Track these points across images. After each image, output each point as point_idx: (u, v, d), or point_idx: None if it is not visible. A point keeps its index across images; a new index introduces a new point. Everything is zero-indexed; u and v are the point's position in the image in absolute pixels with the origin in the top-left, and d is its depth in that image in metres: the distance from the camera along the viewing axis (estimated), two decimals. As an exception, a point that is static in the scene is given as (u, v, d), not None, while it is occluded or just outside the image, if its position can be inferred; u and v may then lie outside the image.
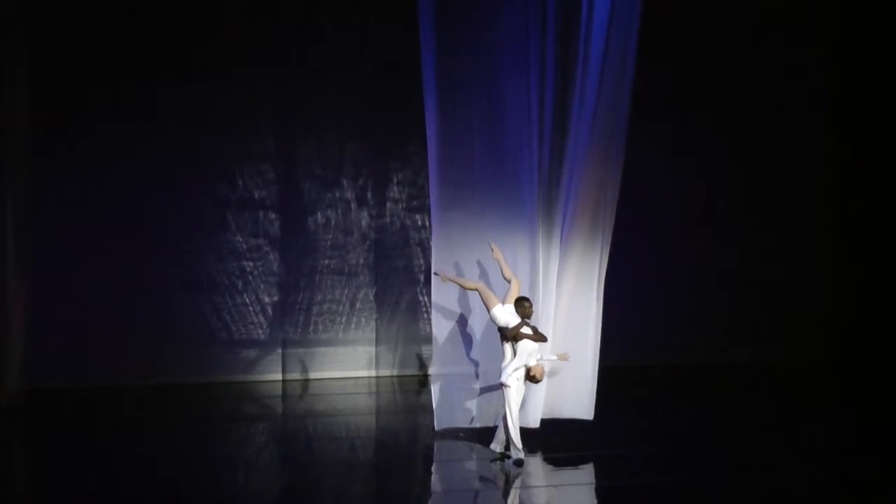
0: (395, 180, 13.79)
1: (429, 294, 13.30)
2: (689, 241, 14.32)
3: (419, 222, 13.72)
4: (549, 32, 9.93)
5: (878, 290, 13.98)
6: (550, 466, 9.28)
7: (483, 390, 10.02)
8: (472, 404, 10.09)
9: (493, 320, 9.26)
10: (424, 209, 13.54)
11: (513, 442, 8.97)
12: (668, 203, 14.31)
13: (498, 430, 9.28)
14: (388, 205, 13.79)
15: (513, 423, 8.95)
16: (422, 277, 13.65)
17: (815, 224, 14.74)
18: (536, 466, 9.21)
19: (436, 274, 10.01)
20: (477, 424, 10.03)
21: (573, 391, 10.02)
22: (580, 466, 9.36)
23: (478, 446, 9.69)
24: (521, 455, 8.97)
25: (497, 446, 9.24)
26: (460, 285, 9.86)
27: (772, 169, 14.57)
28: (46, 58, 12.54)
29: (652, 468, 9.04)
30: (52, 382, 12.42)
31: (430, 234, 13.10)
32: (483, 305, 9.64)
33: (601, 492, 8.69)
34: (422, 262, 13.66)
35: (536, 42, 9.98)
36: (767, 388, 12.84)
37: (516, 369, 8.93)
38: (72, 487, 8.70)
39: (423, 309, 13.63)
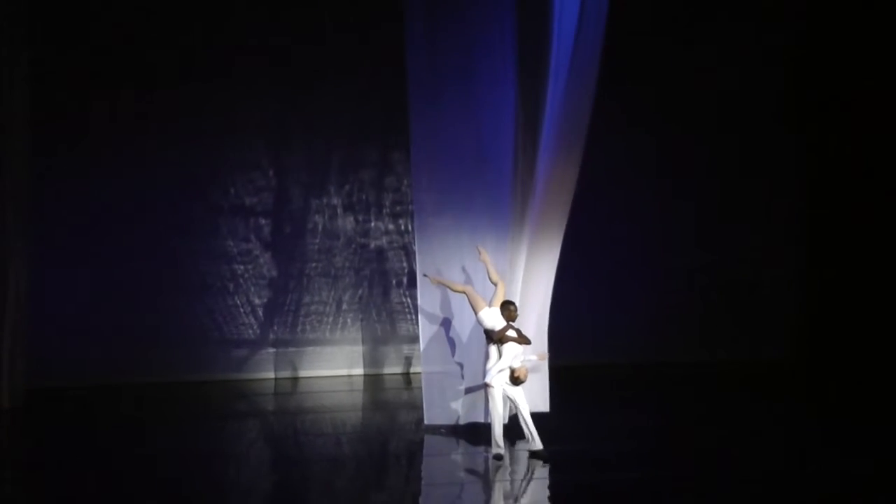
0: (379, 187, 14.02)
1: (411, 296, 13.73)
2: (671, 243, 14.49)
3: (402, 227, 13.99)
4: (527, 40, 10.17)
5: (851, 292, 14.06)
6: (529, 461, 9.36)
7: (468, 390, 10.31)
8: (458, 403, 10.37)
9: (479, 323, 9.49)
10: (407, 214, 13.86)
11: (494, 438, 9.21)
12: (652, 208, 14.48)
13: (525, 430, 9.35)
14: (373, 210, 14.00)
15: (497, 420, 9.20)
16: (405, 280, 13.95)
17: (793, 227, 14.84)
18: (514, 460, 9.39)
19: (425, 276, 10.24)
20: (461, 422, 10.32)
21: (532, 387, 10.21)
22: (558, 461, 9.33)
23: (462, 441, 9.95)
24: (501, 451, 9.20)
25: (533, 445, 9.29)
26: (449, 288, 10.10)
27: (751, 173, 14.67)
28: (46, 59, 12.67)
29: (628, 463, 9.19)
30: (50, 382, 12.54)
31: (413, 238, 13.58)
32: (469, 307, 9.89)
33: (578, 485, 8.75)
34: (404, 265, 13.96)
35: (512, 49, 10.24)
36: (745, 388, 12.87)
37: (500, 371, 9.13)
38: (71, 485, 8.82)
39: (407, 310, 13.93)
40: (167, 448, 10.11)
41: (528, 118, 10.25)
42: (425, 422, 10.40)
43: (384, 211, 14.06)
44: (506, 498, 8.63)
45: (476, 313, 9.52)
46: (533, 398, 10.11)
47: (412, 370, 13.74)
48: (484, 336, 9.58)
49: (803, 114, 14.78)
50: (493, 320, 9.35)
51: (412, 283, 13.62)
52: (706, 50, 14.40)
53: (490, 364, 9.29)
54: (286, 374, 13.74)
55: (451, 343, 10.59)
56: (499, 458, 9.23)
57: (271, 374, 13.70)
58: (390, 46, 12.04)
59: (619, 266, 14.36)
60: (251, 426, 11.60)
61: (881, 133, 13.64)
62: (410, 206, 13.53)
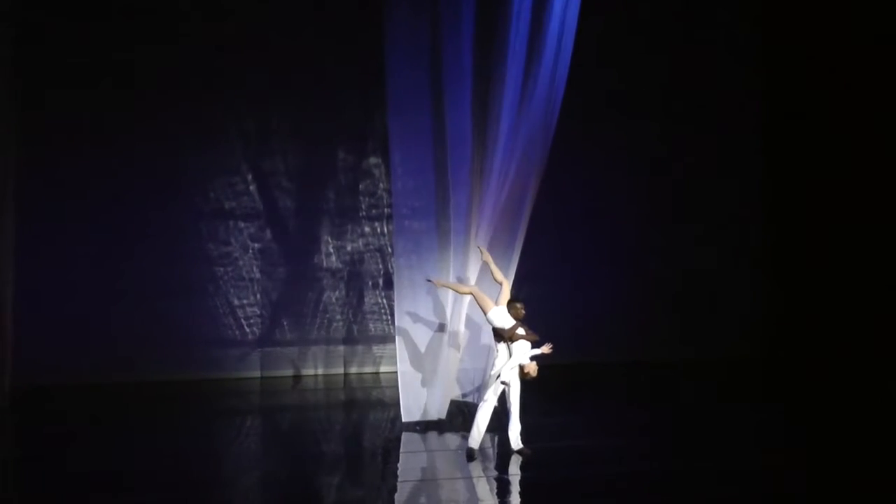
0: (355, 191, 14.20)
1: (387, 297, 13.99)
2: (634, 243, 14.78)
3: (378, 230, 14.21)
4: (484, 47, 10.57)
5: (810, 292, 14.37)
6: (500, 459, 9.56)
7: (448, 386, 10.65)
8: (433, 400, 10.65)
9: (489, 322, 9.59)
10: (383, 217, 14.14)
11: (475, 435, 9.39)
12: (614, 207, 14.75)
13: (510, 430, 9.54)
14: (350, 213, 14.18)
15: (487, 418, 9.39)
16: (381, 281, 14.18)
17: (752, 227, 15.16)
18: (492, 457, 9.58)
19: (429, 280, 10.42)
20: (436, 418, 10.63)
21: (477, 383, 10.68)
22: (538, 457, 9.46)
23: (438, 438, 10.18)
24: (476, 447, 9.39)
25: (515, 444, 9.50)
26: (455, 290, 10.24)
27: (710, 173, 14.98)
28: (35, 60, 12.85)
29: (609, 459, 9.39)
30: (36, 381, 12.65)
31: (389, 240, 13.93)
32: (451, 308, 10.17)
33: (546, 482, 8.89)
34: (381, 266, 14.18)
35: (471, 56, 10.62)
36: (718, 386, 13.06)
37: (512, 368, 9.29)
38: (59, 482, 8.93)
39: (383, 311, 14.15)
40: (150, 445, 10.23)
41: (483, 124, 10.56)
42: (403, 419, 10.60)
43: (361, 214, 14.24)
44: (486, 494, 8.76)
45: (485, 313, 9.61)
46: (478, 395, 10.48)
47: (389, 369, 13.93)
48: (484, 335, 9.82)
49: (764, 115, 15.15)
50: (501, 319, 9.46)
51: (388, 284, 13.98)
52: (653, 59, 14.75)
53: (501, 362, 9.40)
54: (266, 373, 13.91)
55: (427, 342, 10.82)
56: (472, 454, 9.39)
57: (250, 374, 13.87)
58: (368, 52, 12.47)
59: (591, 267, 14.65)
60: (233, 424, 11.66)
61: (839, 133, 13.94)
62: (387, 210, 13.91)
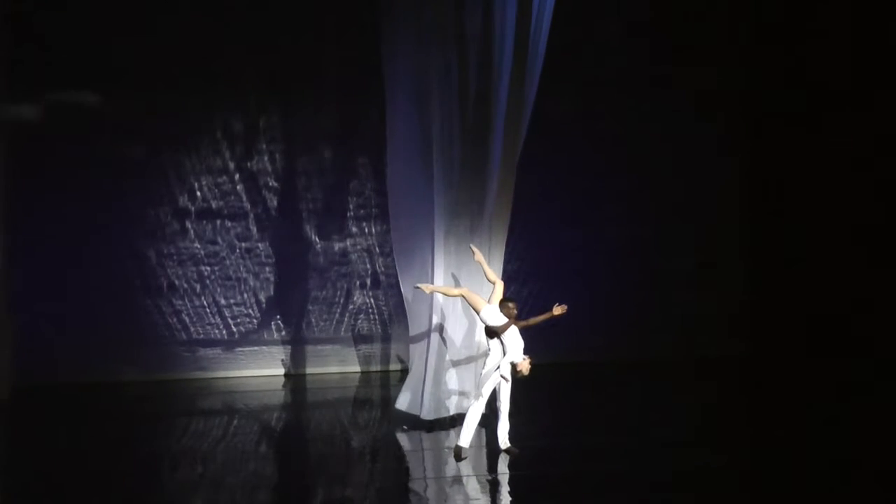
0: (343, 191, 14.19)
1: (374, 296, 14.09)
2: (612, 241, 14.69)
3: (365, 229, 14.22)
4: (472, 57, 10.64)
5: (790, 289, 14.42)
6: (487, 457, 9.59)
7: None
8: (433, 398, 10.71)
9: (482, 321, 9.56)
10: (370, 217, 14.17)
11: (466, 434, 9.36)
12: (597, 204, 14.69)
13: (499, 428, 9.57)
14: (337, 213, 14.18)
15: (478, 418, 9.39)
16: (368, 281, 14.20)
17: (732, 224, 15.10)
18: (476, 459, 9.56)
19: (417, 287, 10.39)
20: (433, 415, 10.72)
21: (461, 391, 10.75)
22: (519, 457, 9.46)
23: (424, 438, 10.23)
24: (465, 445, 9.35)
25: (503, 443, 9.54)
26: (444, 294, 10.25)
27: (695, 168, 14.89)
28: (24, 62, 12.90)
29: (586, 458, 9.42)
30: (23, 380, 12.66)
31: (376, 240, 13.99)
32: (446, 308, 10.22)
33: (533, 481, 8.91)
34: (368, 266, 14.20)
35: (456, 59, 10.67)
36: (697, 384, 13.10)
37: (506, 366, 9.23)
38: (49, 482, 9.00)
39: (370, 310, 14.18)
40: (136, 445, 10.28)
41: (471, 123, 10.65)
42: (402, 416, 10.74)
43: (348, 214, 14.23)
44: (475, 493, 8.78)
45: (478, 313, 9.59)
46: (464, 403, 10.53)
47: (376, 369, 14.06)
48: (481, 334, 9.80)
49: (745, 112, 15.13)
50: (494, 317, 9.43)
51: (375, 284, 14.06)
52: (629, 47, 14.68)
53: (494, 360, 9.36)
54: (253, 372, 13.93)
55: (428, 341, 10.90)
56: (460, 452, 9.36)
57: (237, 373, 13.88)
58: (356, 52, 12.53)
59: (578, 268, 14.61)
60: (220, 424, 11.66)
61: (819, 130, 13.99)
62: (374, 209, 13.96)
